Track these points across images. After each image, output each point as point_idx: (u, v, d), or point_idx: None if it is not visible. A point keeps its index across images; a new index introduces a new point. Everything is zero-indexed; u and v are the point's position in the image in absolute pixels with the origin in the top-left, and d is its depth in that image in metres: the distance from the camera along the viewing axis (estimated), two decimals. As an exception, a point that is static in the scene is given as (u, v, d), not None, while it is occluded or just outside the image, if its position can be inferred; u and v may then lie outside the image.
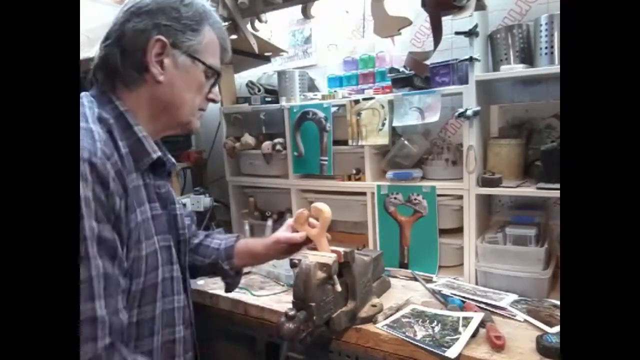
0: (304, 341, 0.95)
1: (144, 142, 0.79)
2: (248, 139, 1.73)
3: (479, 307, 1.13)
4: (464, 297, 1.17)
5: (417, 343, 0.99)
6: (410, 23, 1.35)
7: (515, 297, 1.20)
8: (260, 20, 1.67)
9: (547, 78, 1.36)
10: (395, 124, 1.41)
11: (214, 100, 0.90)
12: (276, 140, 1.66)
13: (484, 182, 1.28)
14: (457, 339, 0.99)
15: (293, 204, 1.67)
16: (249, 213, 1.84)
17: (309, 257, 0.97)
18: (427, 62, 1.36)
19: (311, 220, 1.04)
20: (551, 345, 0.92)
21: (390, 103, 1.42)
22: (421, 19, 1.52)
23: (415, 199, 1.40)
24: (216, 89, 0.90)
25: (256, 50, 1.62)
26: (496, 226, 1.40)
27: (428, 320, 1.09)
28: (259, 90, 1.78)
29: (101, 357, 0.65)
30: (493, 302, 1.14)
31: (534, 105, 1.43)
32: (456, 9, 1.16)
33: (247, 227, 1.75)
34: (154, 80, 0.79)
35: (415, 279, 1.39)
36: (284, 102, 1.65)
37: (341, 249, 1.02)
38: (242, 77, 2.00)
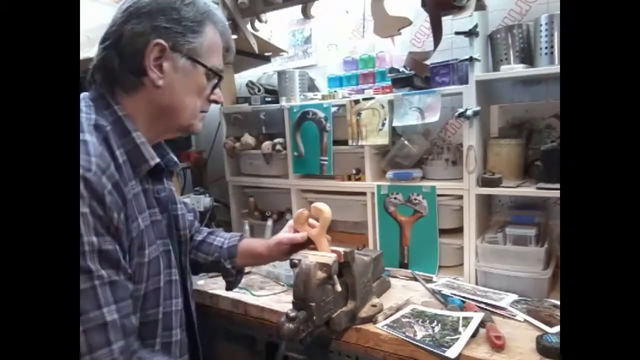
0: (304, 341, 0.95)
1: (142, 148, 0.77)
2: (248, 139, 1.73)
3: (479, 307, 1.13)
4: (464, 297, 1.17)
5: (417, 343, 0.99)
6: (410, 23, 1.35)
7: (515, 297, 1.20)
8: (260, 20, 1.67)
9: (547, 78, 1.36)
10: (395, 124, 1.41)
11: (216, 102, 0.88)
12: (276, 140, 1.66)
13: (484, 182, 1.28)
14: (457, 339, 0.99)
15: (293, 204, 1.67)
16: (249, 213, 1.84)
17: (309, 257, 0.97)
18: (427, 62, 1.36)
19: (311, 220, 1.04)
20: (551, 345, 0.92)
21: (390, 103, 1.42)
22: (421, 19, 1.52)
23: (415, 199, 1.40)
24: (219, 89, 0.87)
25: (256, 50, 1.62)
26: (496, 226, 1.40)
27: (428, 320, 1.09)
28: (259, 90, 1.78)
29: None
30: (493, 302, 1.14)
31: (534, 105, 1.43)
32: (456, 9, 1.16)
33: (247, 227, 1.75)
34: (153, 85, 0.76)
35: (415, 279, 1.39)
36: (284, 102, 1.65)
37: (341, 249, 1.02)
38: (242, 77, 2.00)
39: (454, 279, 1.35)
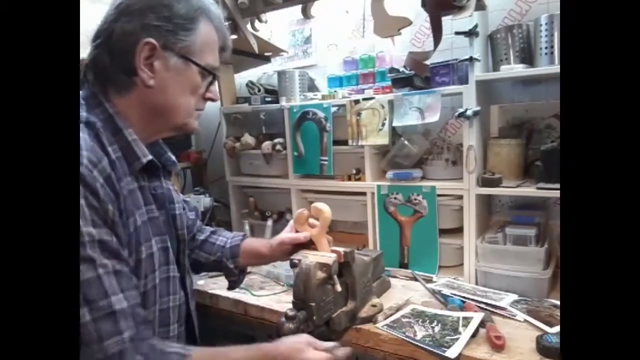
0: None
1: (133, 145, 0.77)
2: (248, 139, 1.73)
3: (479, 307, 1.13)
4: (464, 297, 1.17)
5: (417, 343, 0.99)
6: (410, 23, 1.35)
7: (515, 297, 1.20)
8: (260, 20, 1.67)
9: (547, 78, 1.36)
10: (395, 124, 1.41)
11: (212, 100, 0.86)
12: (276, 140, 1.66)
13: (484, 182, 1.28)
14: (457, 339, 0.99)
15: (293, 204, 1.67)
16: (249, 213, 1.84)
17: (309, 257, 0.97)
18: (427, 62, 1.36)
19: (311, 220, 1.04)
20: (551, 345, 0.92)
21: (390, 103, 1.42)
22: (421, 19, 1.52)
23: (415, 199, 1.40)
24: (215, 87, 0.85)
25: (256, 50, 1.62)
26: (496, 226, 1.40)
27: (428, 320, 1.09)
28: (259, 90, 1.78)
29: (127, 349, 0.65)
30: (493, 302, 1.14)
31: (534, 105, 1.43)
32: (456, 9, 1.16)
33: (247, 227, 1.76)
34: (145, 85, 0.75)
35: (415, 279, 1.39)
36: (284, 102, 1.65)
37: (341, 249, 1.02)
38: (242, 77, 2.00)
39: (454, 279, 1.35)
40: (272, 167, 1.72)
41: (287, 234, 1.05)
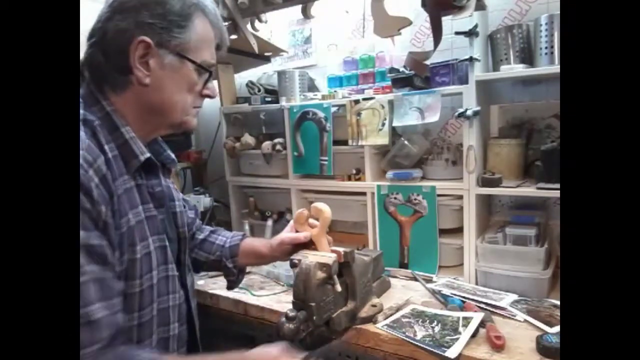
0: (304, 341, 0.95)
1: (131, 143, 0.76)
2: (248, 139, 1.73)
3: (479, 307, 1.13)
4: (464, 297, 1.17)
5: (417, 343, 0.99)
6: (410, 23, 1.35)
7: (515, 297, 1.20)
8: (260, 20, 1.67)
9: (547, 78, 1.36)
10: (395, 124, 1.41)
11: (209, 96, 0.85)
12: (276, 140, 1.66)
13: (484, 182, 1.28)
14: (457, 339, 0.99)
15: (293, 204, 1.67)
16: (249, 213, 1.84)
17: (309, 257, 0.97)
18: (427, 62, 1.36)
19: (311, 220, 1.04)
20: (551, 345, 0.92)
21: (390, 103, 1.42)
22: (421, 19, 1.52)
23: (415, 199, 1.40)
24: (212, 83, 0.84)
25: (256, 50, 1.62)
26: (496, 226, 1.40)
27: (428, 320, 1.09)
28: (259, 90, 1.78)
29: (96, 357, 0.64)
30: (493, 302, 1.14)
31: (534, 105, 1.43)
32: (456, 9, 1.16)
33: (247, 227, 1.76)
34: (140, 83, 0.74)
35: (415, 279, 1.39)
36: (284, 102, 1.65)
37: (341, 249, 1.02)
38: (242, 77, 2.00)
39: (454, 279, 1.35)
40: (272, 167, 1.72)
41: (287, 234, 1.05)
